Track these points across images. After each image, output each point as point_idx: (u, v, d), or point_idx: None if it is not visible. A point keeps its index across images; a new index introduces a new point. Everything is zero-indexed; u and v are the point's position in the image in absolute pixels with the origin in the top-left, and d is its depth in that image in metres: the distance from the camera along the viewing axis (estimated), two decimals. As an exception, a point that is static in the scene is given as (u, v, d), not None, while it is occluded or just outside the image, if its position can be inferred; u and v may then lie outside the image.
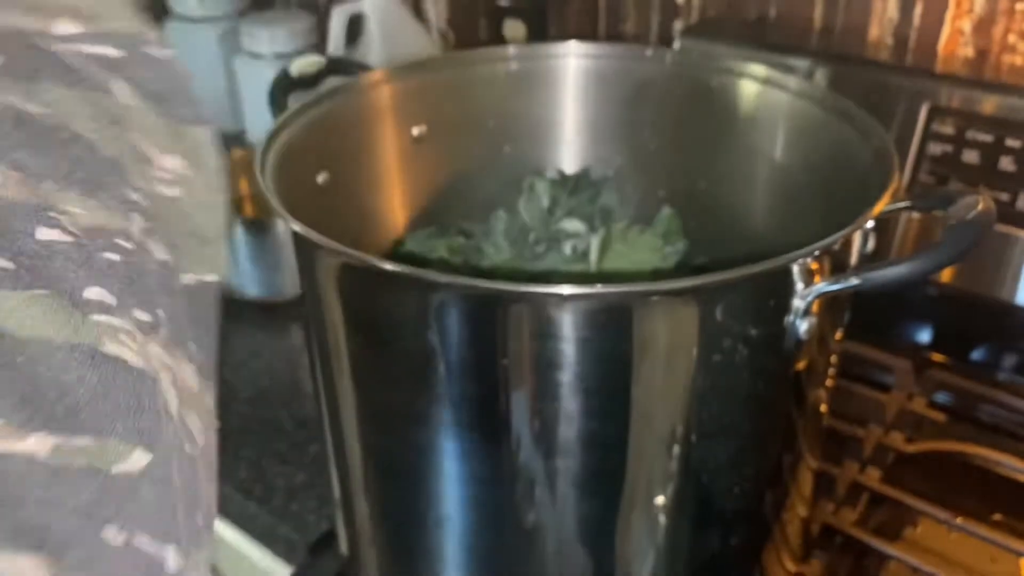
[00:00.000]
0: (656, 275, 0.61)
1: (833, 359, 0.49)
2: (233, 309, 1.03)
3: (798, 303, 0.40)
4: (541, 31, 1.17)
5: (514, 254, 0.64)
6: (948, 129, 0.80)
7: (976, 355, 0.88)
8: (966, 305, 0.85)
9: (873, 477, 0.76)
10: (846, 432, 0.78)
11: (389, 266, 0.40)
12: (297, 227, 0.43)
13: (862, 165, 0.49)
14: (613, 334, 0.40)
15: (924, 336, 0.91)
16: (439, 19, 1.28)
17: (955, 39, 0.87)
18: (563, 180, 0.67)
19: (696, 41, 0.94)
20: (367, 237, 0.63)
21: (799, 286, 0.40)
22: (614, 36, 1.11)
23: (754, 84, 0.58)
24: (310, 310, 0.49)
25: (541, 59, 0.64)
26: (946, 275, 0.85)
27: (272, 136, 0.51)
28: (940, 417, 0.82)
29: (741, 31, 0.97)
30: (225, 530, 0.86)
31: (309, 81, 0.61)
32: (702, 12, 1.02)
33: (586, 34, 1.13)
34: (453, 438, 0.46)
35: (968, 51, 0.87)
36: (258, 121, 1.41)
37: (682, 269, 0.61)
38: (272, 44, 1.34)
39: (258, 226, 0.99)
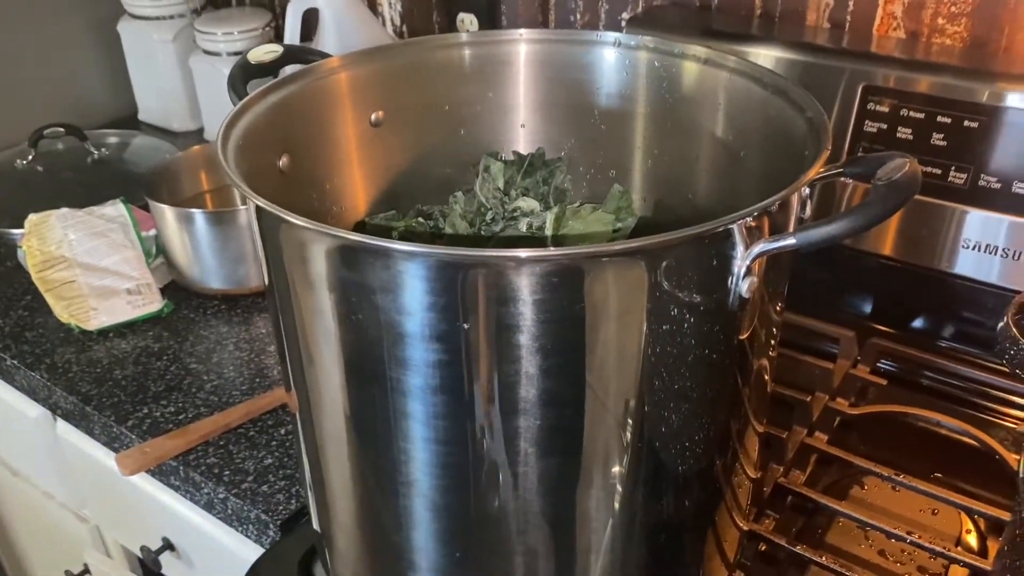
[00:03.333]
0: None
1: (775, 329, 0.52)
2: (197, 302, 1.04)
3: (739, 263, 0.43)
4: (493, 23, 1.19)
5: (471, 233, 0.67)
6: (883, 108, 0.84)
7: (916, 324, 0.92)
8: (905, 276, 0.89)
9: (820, 440, 0.80)
10: (794, 399, 0.82)
11: (353, 236, 0.42)
12: (260, 202, 0.45)
13: (799, 137, 0.52)
14: (567, 296, 0.43)
15: (866, 307, 0.95)
16: (393, 13, 1.30)
17: (888, 22, 0.91)
18: (517, 161, 0.70)
19: (642, 30, 0.97)
20: (328, 220, 0.65)
21: (740, 247, 0.43)
22: (564, 26, 1.14)
23: (696, 64, 0.61)
24: (275, 286, 0.51)
25: (493, 44, 0.67)
26: (885, 247, 0.89)
27: (233, 119, 0.53)
28: (882, 382, 0.86)
29: (685, 19, 1.01)
30: (196, 516, 0.87)
31: (267, 69, 0.63)
32: (648, 1, 1.06)
33: (537, 25, 1.16)
34: (419, 402, 0.48)
35: (900, 33, 0.91)
36: (215, 119, 1.42)
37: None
38: (228, 42, 1.35)
39: (219, 219, 1.00)
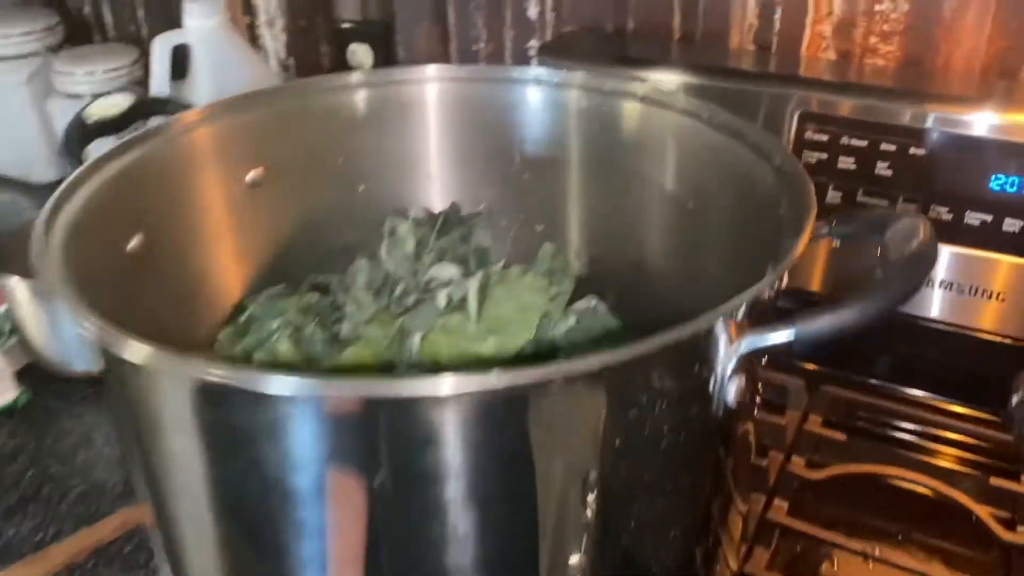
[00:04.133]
0: (542, 353, 0.53)
1: (759, 386, 0.43)
2: (59, 387, 0.90)
3: (723, 365, 0.34)
4: (389, 55, 1.09)
5: (379, 309, 0.56)
6: (822, 136, 0.77)
7: (866, 366, 0.86)
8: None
9: (781, 510, 0.72)
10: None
11: (214, 375, 0.31)
12: (95, 329, 0.33)
13: (763, 187, 0.44)
14: (509, 431, 0.33)
15: (812, 352, 0.88)
16: (277, 45, 1.18)
17: (817, 43, 0.85)
18: (429, 219, 0.60)
19: (554, 59, 0.88)
20: (198, 306, 0.53)
21: (723, 346, 0.34)
22: (467, 57, 1.04)
23: (633, 103, 0.52)
24: (117, 406, 0.39)
25: (394, 85, 0.57)
26: (816, 282, 0.82)
27: (59, 199, 0.41)
28: (840, 437, 0.79)
29: (599, 46, 0.92)
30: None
31: (114, 126, 0.51)
32: (557, 28, 0.97)
33: (437, 56, 1.06)
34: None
35: (830, 54, 0.85)
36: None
37: (580, 332, 0.53)
38: (90, 83, 1.20)
39: (81, 290, 0.86)
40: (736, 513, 0.49)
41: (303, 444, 0.32)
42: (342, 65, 1.11)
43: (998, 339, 0.77)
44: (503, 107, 0.57)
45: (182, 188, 0.50)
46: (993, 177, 0.73)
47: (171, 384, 0.34)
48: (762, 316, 0.37)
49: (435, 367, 0.52)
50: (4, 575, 0.68)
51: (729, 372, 0.34)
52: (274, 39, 1.18)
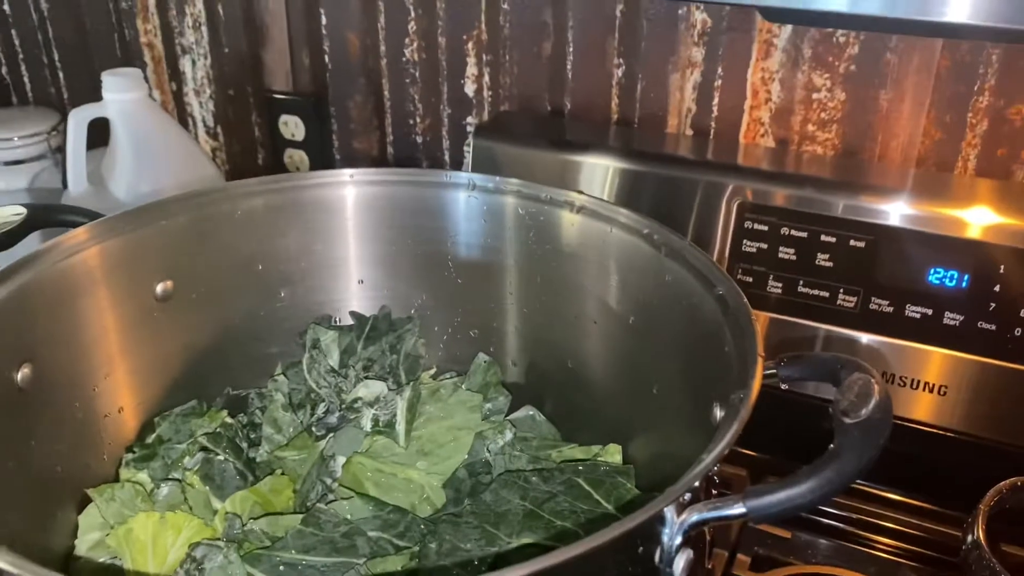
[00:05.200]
0: (475, 474, 0.50)
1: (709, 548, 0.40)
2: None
3: (669, 542, 0.31)
4: (321, 127, 1.06)
5: (298, 431, 0.52)
6: (761, 226, 0.76)
7: (806, 455, 0.84)
8: (794, 407, 0.81)
9: (728, 615, 0.69)
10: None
11: None
12: None
13: (707, 315, 0.41)
14: None
15: (755, 442, 0.86)
16: (205, 114, 1.14)
17: (755, 129, 0.84)
18: (357, 325, 0.56)
19: (490, 139, 0.86)
20: (103, 432, 0.48)
21: (669, 524, 0.31)
22: (402, 130, 1.01)
23: (569, 213, 0.50)
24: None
25: (316, 188, 0.53)
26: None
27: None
28: (786, 535, 0.76)
29: (536, 127, 0.90)
30: None
31: (6, 239, 0.46)
32: (494, 106, 0.95)
33: (372, 129, 1.03)
34: None
35: (769, 141, 0.84)
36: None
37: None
38: (6, 149, 1.14)
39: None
40: None
41: None
42: (274, 134, 1.08)
43: (938, 431, 0.76)
44: (435, 210, 0.55)
45: (75, 311, 0.46)
46: (932, 270, 0.72)
47: None
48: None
49: (358, 496, 0.48)
50: None
51: (676, 546, 0.31)
52: (202, 107, 1.14)
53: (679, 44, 0.83)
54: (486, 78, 0.94)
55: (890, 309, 0.74)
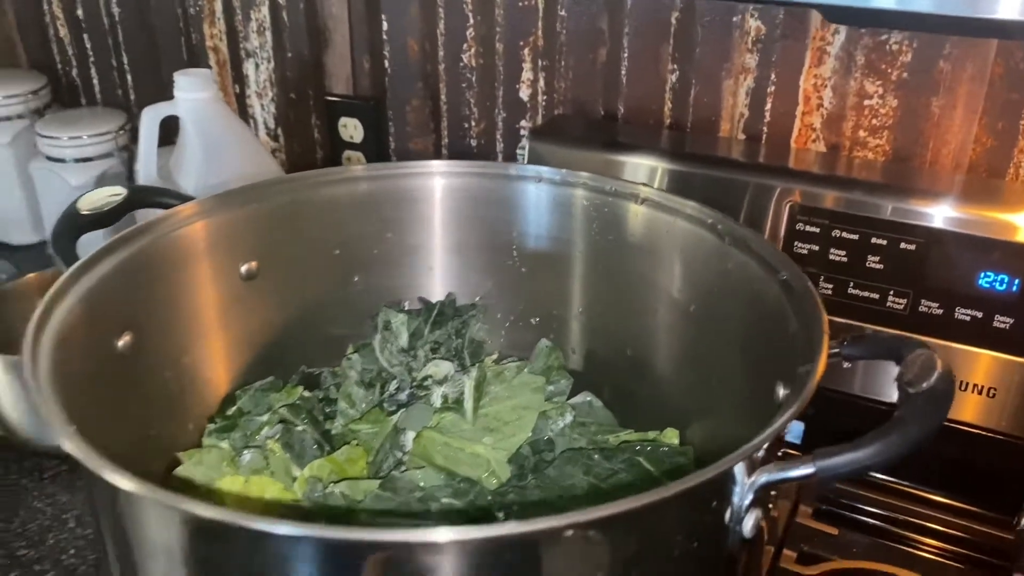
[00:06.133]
0: (538, 451, 0.52)
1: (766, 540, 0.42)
2: (31, 464, 0.87)
3: (740, 500, 0.33)
4: (379, 129, 1.09)
5: (371, 406, 0.54)
6: (813, 228, 0.78)
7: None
8: (841, 406, 0.82)
9: (775, 608, 0.70)
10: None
11: (208, 513, 0.30)
12: (78, 451, 0.32)
13: (771, 300, 0.43)
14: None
15: (796, 439, 0.88)
16: (267, 115, 1.18)
17: (806, 134, 0.86)
18: (424, 310, 0.59)
19: (544, 142, 0.89)
20: (188, 401, 0.51)
21: (740, 483, 0.33)
22: (457, 134, 1.05)
23: (635, 205, 0.52)
24: (101, 526, 0.38)
25: (394, 178, 0.56)
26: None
27: (48, 305, 0.40)
28: (833, 531, 0.78)
29: (589, 130, 0.93)
30: None
31: (108, 218, 0.49)
32: (548, 110, 0.98)
33: (427, 132, 1.06)
34: None
35: (820, 146, 0.86)
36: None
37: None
38: (75, 147, 1.19)
39: (58, 364, 0.84)
40: None
41: None
42: (333, 136, 1.11)
43: (987, 434, 0.77)
44: (503, 202, 0.57)
45: (173, 284, 0.49)
46: (983, 274, 0.73)
47: (150, 512, 0.32)
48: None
49: (429, 466, 0.50)
50: (-36, 672, 0.65)
51: (745, 506, 0.33)
52: (263, 109, 1.18)
53: (733, 51, 0.86)
54: (541, 83, 0.97)
55: (940, 311, 0.75)
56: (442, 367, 0.55)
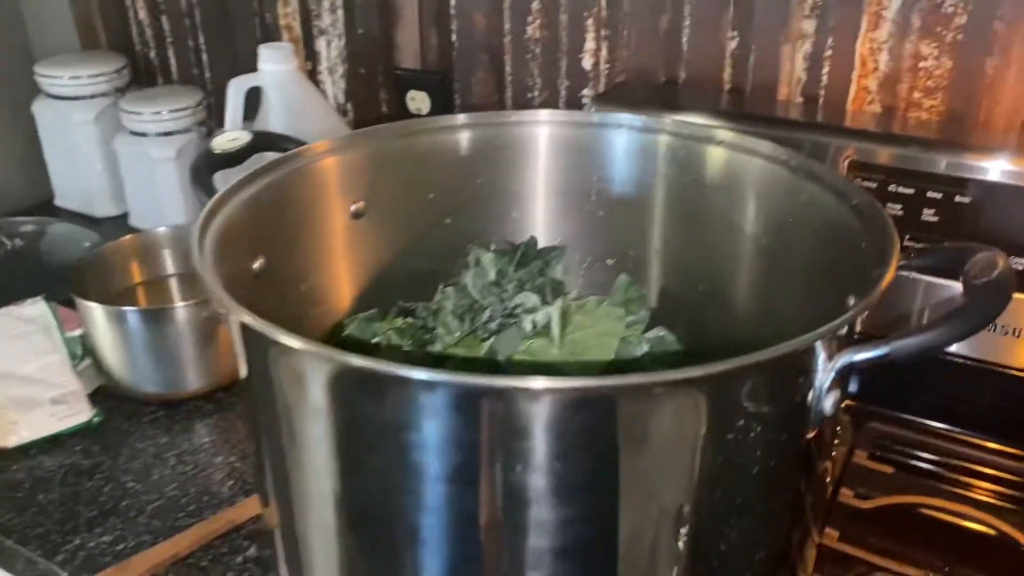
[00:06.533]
0: (637, 363, 0.57)
1: (839, 428, 0.46)
2: (130, 409, 0.93)
3: (822, 379, 0.37)
4: (445, 101, 1.14)
5: (465, 333, 0.60)
6: (870, 183, 0.81)
7: (909, 404, 0.88)
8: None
9: (832, 537, 0.74)
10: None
11: (360, 362, 0.35)
12: (253, 322, 0.38)
13: (843, 225, 0.48)
14: (616, 429, 0.36)
15: (853, 386, 0.91)
16: (337, 91, 1.24)
17: (862, 97, 0.89)
18: (510, 251, 0.64)
19: (607, 108, 0.93)
20: (305, 324, 0.57)
21: (822, 361, 0.37)
22: (521, 105, 1.09)
23: (716, 148, 0.57)
24: (259, 406, 0.43)
25: (490, 127, 0.61)
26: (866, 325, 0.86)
27: (207, 218, 0.45)
28: (888, 470, 0.82)
29: (651, 95, 0.97)
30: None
31: (233, 159, 0.55)
32: (610, 78, 1.02)
33: (492, 104, 1.11)
34: (432, 555, 0.41)
35: (875, 108, 0.89)
36: (141, 203, 1.32)
37: (659, 352, 0.56)
38: (156, 122, 1.26)
39: (155, 317, 0.90)
40: (812, 545, 0.52)
41: (430, 428, 0.36)
42: (402, 109, 1.17)
43: (1036, 378, 0.80)
44: (585, 149, 0.62)
45: (296, 217, 0.54)
46: (1035, 225, 0.77)
47: (316, 372, 0.38)
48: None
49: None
50: (90, 584, 0.71)
51: (827, 386, 0.38)
52: (334, 85, 1.24)
53: (791, 17, 0.89)
54: (604, 52, 1.01)
55: (993, 261, 0.78)
56: (530, 298, 0.60)
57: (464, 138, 0.61)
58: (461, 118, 0.60)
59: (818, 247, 0.50)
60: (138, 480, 0.84)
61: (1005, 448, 0.83)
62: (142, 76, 1.42)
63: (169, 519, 0.79)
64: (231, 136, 0.56)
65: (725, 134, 0.56)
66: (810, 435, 0.41)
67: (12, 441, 0.86)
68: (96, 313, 0.91)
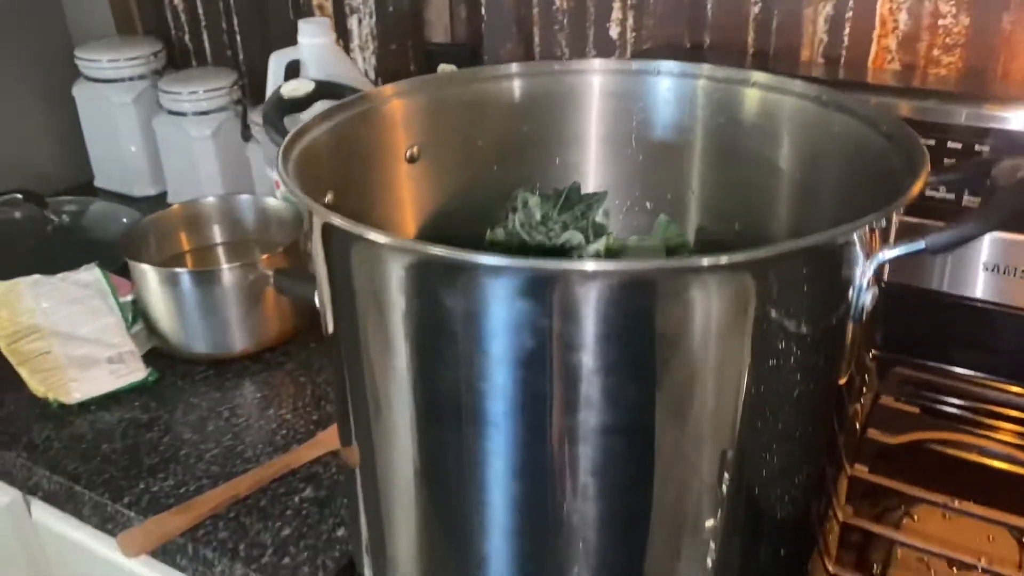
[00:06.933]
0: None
1: (867, 375, 0.50)
2: (183, 369, 0.98)
3: (862, 272, 0.41)
4: (476, 73, 1.18)
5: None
6: (892, 136, 0.84)
7: (931, 351, 0.91)
8: (916, 302, 0.89)
9: (862, 471, 0.77)
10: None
11: (438, 250, 0.39)
12: (340, 221, 0.41)
13: (873, 150, 0.51)
14: (687, 310, 0.40)
15: (877, 336, 0.94)
16: (367, 67, 1.28)
17: (883, 56, 0.93)
18: (554, 196, 0.67)
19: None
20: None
21: (862, 254, 0.41)
22: (549, 75, 1.13)
23: (747, 89, 0.60)
24: (341, 318, 0.47)
25: (531, 76, 0.65)
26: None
27: (288, 147, 0.49)
28: (914, 410, 0.85)
29: (677, 60, 1.00)
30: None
31: (299, 105, 0.59)
32: (636, 46, 1.06)
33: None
34: (501, 435, 0.44)
35: (896, 66, 0.92)
36: (179, 181, 1.36)
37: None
38: (193, 101, 1.31)
39: (206, 278, 0.95)
40: (844, 476, 0.56)
41: (496, 311, 0.40)
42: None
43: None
44: (624, 95, 0.65)
45: (365, 155, 0.58)
46: (1053, 171, 0.80)
47: (396, 264, 0.41)
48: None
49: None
50: (157, 521, 0.75)
51: (867, 282, 0.41)
52: (365, 61, 1.28)
53: (813, -21, 0.93)
54: (630, 21, 1.05)
55: (1013, 208, 0.82)
56: (576, 235, 0.63)
57: (514, 86, 0.64)
58: (513, 67, 0.63)
59: (851, 175, 0.53)
60: (195, 432, 0.88)
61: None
62: (177, 59, 1.46)
63: (227, 465, 0.83)
64: (296, 84, 0.60)
65: (759, 75, 0.59)
66: (851, 331, 0.44)
67: (75, 397, 0.91)
68: (149, 275, 0.95)
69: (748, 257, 0.37)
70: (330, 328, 0.49)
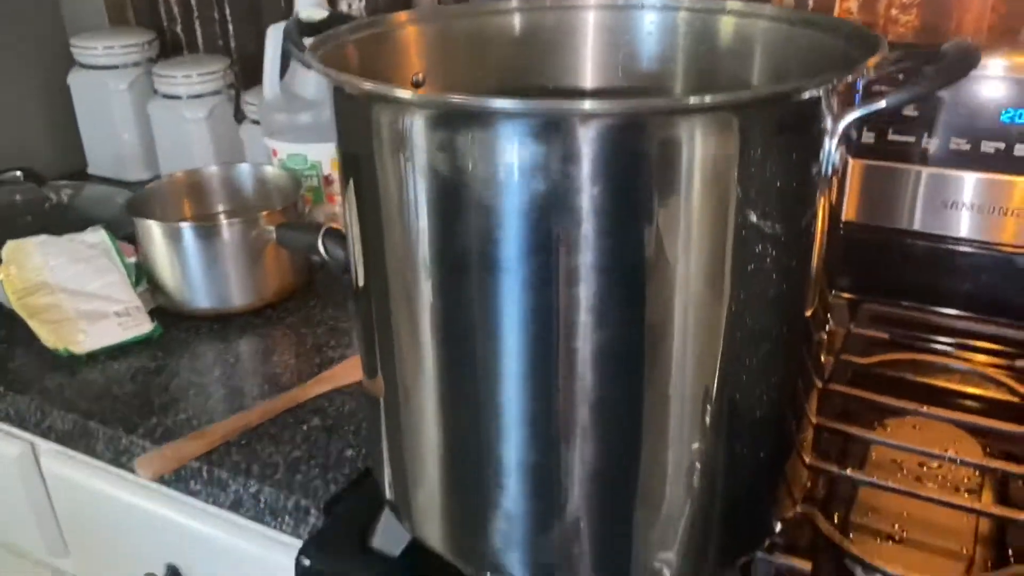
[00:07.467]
0: None
1: (828, 308, 0.56)
2: (187, 324, 1.01)
3: (832, 128, 0.46)
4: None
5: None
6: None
7: (896, 293, 0.97)
8: (873, 241, 0.95)
9: (838, 388, 0.83)
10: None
11: (460, 100, 0.44)
12: (369, 84, 0.47)
13: (836, 52, 0.57)
14: (652, 154, 0.44)
15: (841, 278, 1.00)
16: (357, 51, 1.33)
17: (844, 16, 0.99)
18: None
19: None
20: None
21: (829, 115, 0.46)
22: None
23: (727, 16, 0.66)
24: (358, 179, 0.52)
25: (526, 12, 0.71)
26: (850, 212, 0.96)
27: (319, 41, 0.55)
28: (885, 336, 0.90)
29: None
30: (210, 528, 0.83)
31: (316, 29, 0.64)
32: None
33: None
34: (514, 302, 0.49)
35: (857, 27, 0.99)
36: (175, 164, 1.40)
37: None
38: (188, 85, 1.35)
39: (208, 233, 0.99)
40: (814, 389, 0.61)
41: (508, 155, 0.45)
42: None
43: (1018, 251, 0.90)
44: (612, 29, 0.71)
45: (375, 74, 0.63)
46: (1004, 111, 0.87)
47: (417, 117, 0.47)
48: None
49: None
50: (174, 446, 0.79)
51: (835, 142, 0.47)
52: (355, 44, 1.33)
53: (779, -54, 0.99)
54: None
55: (968, 147, 0.88)
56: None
57: (514, 21, 0.70)
58: (514, 2, 0.69)
59: (813, 72, 0.59)
60: (203, 375, 0.92)
61: (998, 324, 0.91)
62: (169, 51, 1.50)
63: (236, 401, 0.87)
64: (312, 10, 0.65)
65: (734, 4, 0.65)
66: (823, 190, 0.50)
67: (84, 347, 0.94)
68: (154, 230, 0.99)
69: (729, 98, 0.43)
70: (352, 206, 0.54)
